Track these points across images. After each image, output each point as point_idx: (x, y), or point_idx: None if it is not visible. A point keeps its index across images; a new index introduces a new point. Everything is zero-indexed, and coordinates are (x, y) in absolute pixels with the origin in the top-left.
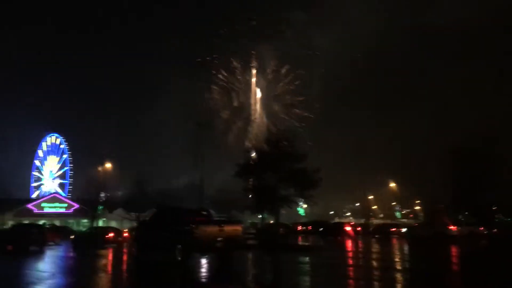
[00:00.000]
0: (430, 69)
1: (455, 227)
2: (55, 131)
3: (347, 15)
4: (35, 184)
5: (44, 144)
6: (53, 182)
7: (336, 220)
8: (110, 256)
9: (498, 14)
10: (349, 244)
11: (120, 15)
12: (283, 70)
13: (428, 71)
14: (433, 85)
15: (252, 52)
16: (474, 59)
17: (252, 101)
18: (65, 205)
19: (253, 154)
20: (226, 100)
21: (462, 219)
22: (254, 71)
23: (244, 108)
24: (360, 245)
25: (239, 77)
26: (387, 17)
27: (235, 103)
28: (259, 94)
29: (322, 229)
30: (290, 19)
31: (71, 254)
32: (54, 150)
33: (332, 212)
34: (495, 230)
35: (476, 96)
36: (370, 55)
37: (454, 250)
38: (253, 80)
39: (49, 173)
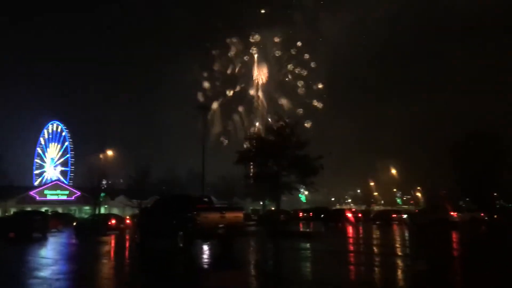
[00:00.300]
0: (437, 60)
1: (456, 213)
2: (57, 118)
3: (354, 8)
4: (37, 172)
5: (46, 132)
6: (55, 169)
7: (337, 206)
8: (112, 243)
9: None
10: (350, 230)
11: (122, 4)
12: (287, 56)
13: (435, 63)
14: (440, 75)
15: (256, 37)
16: (479, 56)
17: (254, 88)
18: (67, 192)
19: (255, 141)
20: (228, 87)
21: (463, 205)
22: (256, 57)
23: (247, 96)
24: (361, 231)
25: (241, 64)
26: (393, 14)
27: (237, 89)
28: (261, 80)
29: (323, 215)
30: (299, 4)
31: (74, 241)
32: (55, 137)
33: (333, 199)
34: (496, 216)
35: (481, 85)
36: (378, 47)
37: (455, 236)
38: (255, 66)
39: (51, 160)
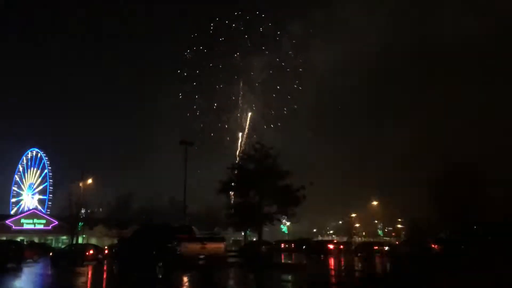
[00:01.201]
0: (422, 92)
1: (437, 245)
2: (36, 146)
3: (348, 32)
4: (14, 200)
5: (24, 159)
6: (32, 197)
7: (319, 237)
8: (90, 274)
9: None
10: (332, 262)
11: (105, 27)
12: (272, 84)
13: (419, 94)
14: (424, 107)
15: (240, 64)
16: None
17: (239, 118)
18: (44, 221)
19: (236, 171)
20: (212, 116)
21: (444, 237)
22: (241, 85)
23: (231, 125)
24: (343, 263)
25: (225, 92)
26: (379, 47)
27: (223, 119)
28: (246, 109)
29: (305, 247)
30: (286, 31)
31: (50, 272)
32: (34, 165)
33: (315, 230)
34: (477, 248)
35: (463, 118)
36: (362, 75)
37: (436, 269)
38: (240, 96)
39: (29, 188)
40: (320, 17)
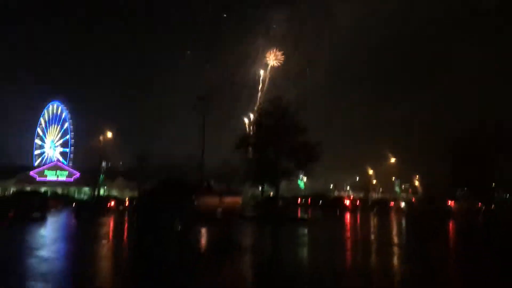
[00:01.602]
0: (445, 53)
1: (453, 202)
2: (58, 99)
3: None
4: (37, 152)
5: (46, 112)
6: (55, 150)
7: (336, 193)
8: (111, 224)
9: None
10: (347, 217)
11: None
12: (294, 38)
13: (442, 55)
14: (444, 66)
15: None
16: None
17: (260, 73)
18: (67, 173)
19: (254, 127)
20: (229, 71)
21: (460, 195)
22: (260, 39)
23: (249, 81)
24: (358, 219)
25: (243, 47)
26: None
27: (240, 75)
28: (265, 64)
29: (321, 202)
30: None
31: (73, 222)
32: (56, 118)
33: (331, 186)
34: (493, 206)
35: (484, 81)
36: (390, 34)
37: (450, 225)
38: (259, 50)
39: (51, 141)
40: None
